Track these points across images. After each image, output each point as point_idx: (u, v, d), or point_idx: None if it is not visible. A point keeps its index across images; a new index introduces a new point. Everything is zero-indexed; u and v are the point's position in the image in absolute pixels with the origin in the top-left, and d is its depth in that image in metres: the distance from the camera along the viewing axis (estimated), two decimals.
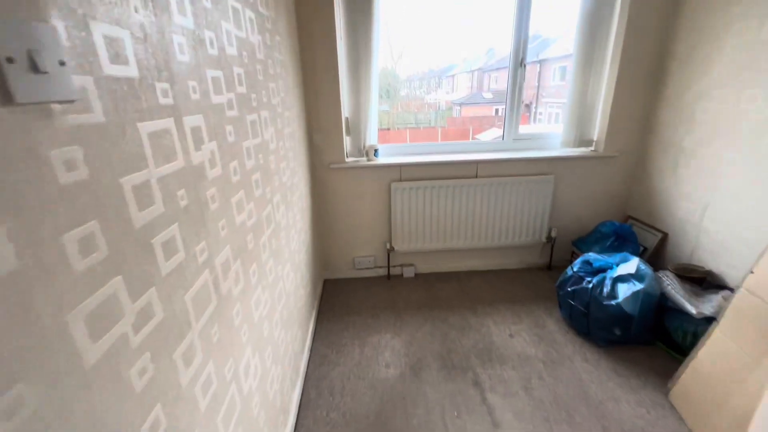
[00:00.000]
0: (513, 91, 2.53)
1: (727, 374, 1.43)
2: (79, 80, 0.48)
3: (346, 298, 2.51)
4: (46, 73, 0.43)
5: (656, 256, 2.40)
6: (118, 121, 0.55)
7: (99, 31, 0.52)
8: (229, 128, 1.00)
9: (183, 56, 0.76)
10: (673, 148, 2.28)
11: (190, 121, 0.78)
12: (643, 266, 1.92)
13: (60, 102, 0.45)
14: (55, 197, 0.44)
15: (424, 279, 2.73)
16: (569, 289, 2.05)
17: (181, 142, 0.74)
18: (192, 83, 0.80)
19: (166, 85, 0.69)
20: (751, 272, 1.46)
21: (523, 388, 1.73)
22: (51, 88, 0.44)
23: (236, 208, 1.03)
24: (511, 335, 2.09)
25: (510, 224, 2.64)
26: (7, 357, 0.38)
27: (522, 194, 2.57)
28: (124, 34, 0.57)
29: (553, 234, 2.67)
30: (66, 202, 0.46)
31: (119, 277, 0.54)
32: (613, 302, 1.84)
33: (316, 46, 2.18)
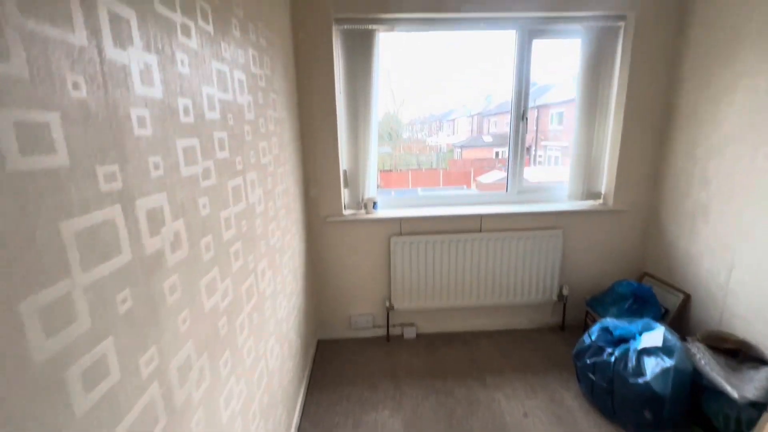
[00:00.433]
0: (515, 143, 2.47)
1: None
2: None
3: (341, 363, 2.28)
4: None
5: (679, 320, 2.20)
6: (25, 227, 0.43)
7: (8, 119, 0.41)
8: (203, 200, 0.89)
9: (143, 130, 0.66)
10: (688, 204, 2.17)
11: (147, 203, 0.66)
12: (669, 336, 1.72)
13: None
14: None
15: (427, 341, 2.50)
16: (588, 361, 1.83)
17: (130, 230, 0.61)
18: (154, 159, 0.69)
19: (112, 168, 0.58)
20: None
21: None
22: None
23: (206, 292, 0.89)
24: (525, 414, 1.84)
25: (518, 281, 2.47)
26: None
27: (529, 249, 2.42)
28: (50, 118, 0.47)
29: (565, 292, 2.49)
30: None
31: None
32: (640, 380, 1.62)
33: (315, 100, 2.15)
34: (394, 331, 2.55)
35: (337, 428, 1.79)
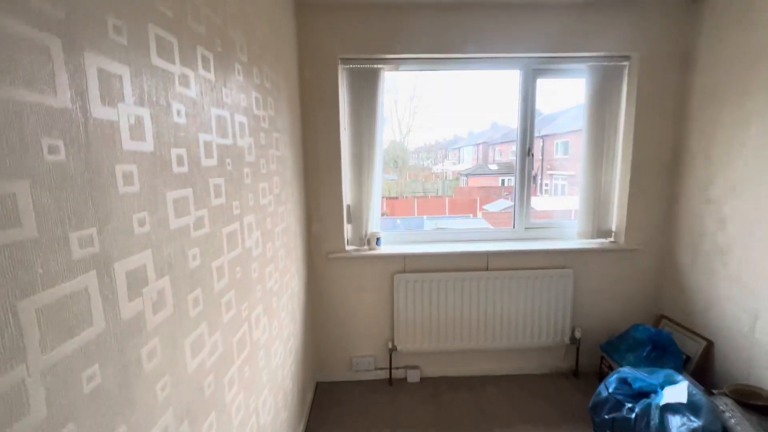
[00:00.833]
0: (522, 178, 2.44)
1: None
2: None
3: (340, 411, 2.15)
4: None
5: (703, 369, 2.05)
6: None
7: None
8: (193, 252, 0.84)
9: (129, 188, 0.63)
10: (704, 246, 2.08)
11: (127, 264, 0.62)
12: (695, 391, 1.59)
13: None
14: None
15: (431, 385, 2.36)
16: (606, 417, 1.69)
17: (105, 297, 0.57)
18: (139, 215, 0.65)
19: (89, 232, 0.54)
20: None
21: None
22: None
23: (191, 351, 0.82)
24: None
25: (527, 323, 2.35)
26: None
27: (539, 289, 2.32)
28: (17, 188, 0.43)
29: (578, 335, 2.36)
30: None
31: None
32: None
33: (319, 137, 2.16)
34: (397, 374, 2.42)
35: None
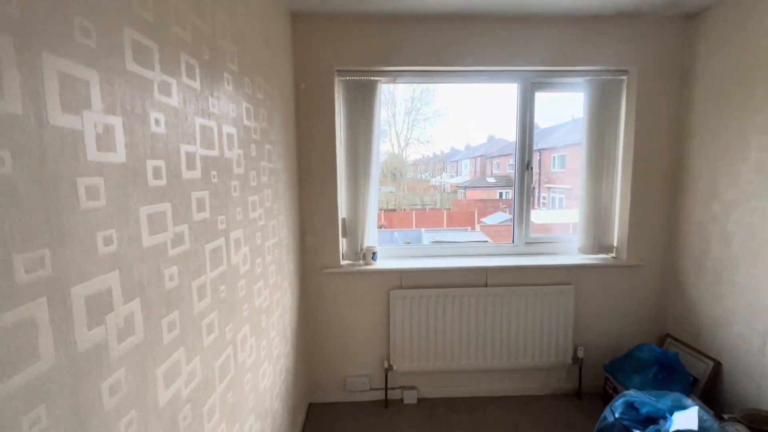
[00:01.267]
0: (521, 193, 2.39)
1: None
2: None
3: None
4: None
5: (711, 391, 1.97)
6: None
7: None
8: (170, 271, 0.78)
9: (94, 202, 0.57)
10: (708, 263, 2.02)
11: (87, 288, 0.55)
12: (706, 416, 1.51)
13: None
14: None
15: (429, 407, 2.26)
16: None
17: (58, 327, 0.50)
18: (105, 233, 0.59)
19: (40, 253, 0.48)
20: None
21: None
22: None
23: (165, 380, 0.75)
24: None
25: (528, 341, 2.27)
26: None
27: (539, 306, 2.25)
28: None
29: (580, 354, 2.28)
30: None
31: None
32: None
33: (315, 149, 2.11)
34: (393, 394, 2.32)
35: None
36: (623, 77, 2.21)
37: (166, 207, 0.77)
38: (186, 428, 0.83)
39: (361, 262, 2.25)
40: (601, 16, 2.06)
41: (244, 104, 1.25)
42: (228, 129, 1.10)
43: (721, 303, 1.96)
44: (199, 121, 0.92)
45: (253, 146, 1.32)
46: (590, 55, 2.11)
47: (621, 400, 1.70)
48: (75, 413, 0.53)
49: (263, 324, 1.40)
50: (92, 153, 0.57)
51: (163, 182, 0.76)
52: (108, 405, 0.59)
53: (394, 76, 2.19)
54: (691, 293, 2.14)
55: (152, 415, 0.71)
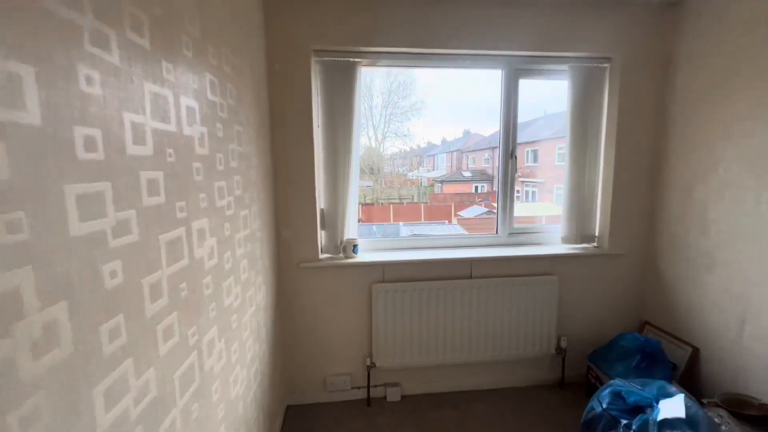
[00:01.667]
0: (504, 182, 2.34)
1: None
2: None
3: None
4: None
5: (689, 376, 2.00)
6: None
7: None
8: (111, 266, 0.63)
9: None
10: (688, 251, 2.04)
11: None
12: (690, 404, 1.50)
13: None
14: None
15: (413, 404, 2.19)
16: None
17: None
18: (10, 217, 0.45)
19: None
20: None
21: None
22: None
23: (104, 402, 0.61)
24: None
25: (512, 333, 2.23)
26: None
27: (524, 297, 2.21)
28: None
29: (563, 344, 2.27)
30: None
31: None
32: None
33: (290, 134, 1.96)
34: (376, 392, 2.23)
35: None
36: (606, 65, 2.19)
37: (104, 187, 0.62)
38: None
39: (342, 255, 2.12)
40: (586, 2, 2.01)
41: (209, 76, 1.09)
42: (188, 101, 0.94)
43: (699, 290, 1.99)
44: (150, 87, 0.77)
45: (219, 125, 1.17)
46: (574, 41, 2.07)
47: (607, 390, 1.68)
48: None
49: (234, 325, 1.26)
50: None
51: (99, 156, 0.61)
52: None
53: (374, 58, 2.07)
54: (669, 281, 2.16)
55: None
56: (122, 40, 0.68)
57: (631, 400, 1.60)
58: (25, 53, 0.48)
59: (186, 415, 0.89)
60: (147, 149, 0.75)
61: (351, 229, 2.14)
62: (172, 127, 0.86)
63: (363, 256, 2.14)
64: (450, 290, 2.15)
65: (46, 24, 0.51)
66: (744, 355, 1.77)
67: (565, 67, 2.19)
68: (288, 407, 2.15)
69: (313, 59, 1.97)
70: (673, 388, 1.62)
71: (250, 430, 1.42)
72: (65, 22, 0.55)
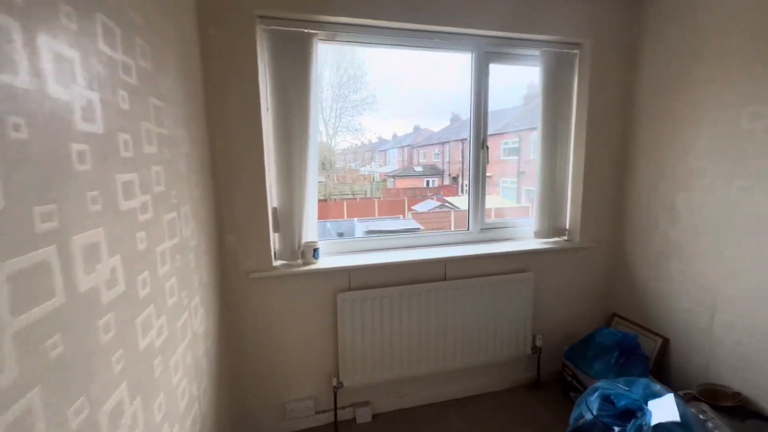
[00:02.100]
0: (476, 174, 2.18)
1: None
2: None
3: None
4: None
5: (660, 367, 2.00)
6: None
7: None
8: None
9: None
10: (656, 241, 2.03)
11: None
12: (680, 403, 1.44)
13: None
14: None
15: (386, 422, 1.96)
16: None
17: None
18: None
19: None
20: None
21: None
22: None
23: None
24: None
25: (489, 335, 2.09)
26: None
27: (500, 296, 2.08)
28: None
29: (539, 343, 2.17)
30: None
31: None
32: None
33: (232, 117, 1.60)
34: (344, 414, 1.96)
35: None
36: (576, 51, 2.10)
37: None
38: None
39: (300, 261, 1.82)
40: None
41: (101, 17, 0.74)
42: (55, 45, 0.60)
43: (668, 280, 1.98)
44: None
45: (123, 94, 0.82)
46: (545, 24, 1.94)
47: (595, 395, 1.57)
48: None
49: (158, 371, 0.92)
50: None
51: None
52: None
53: (333, 31, 1.77)
54: (639, 271, 2.15)
55: None
56: None
57: (621, 404, 1.51)
58: None
59: None
60: None
61: (310, 231, 1.84)
62: (22, 82, 0.52)
63: (325, 261, 1.85)
64: (424, 294, 1.95)
65: None
66: (714, 345, 1.78)
67: (536, 52, 2.07)
68: None
69: (259, 27, 1.63)
70: (657, 386, 1.56)
71: None
72: None
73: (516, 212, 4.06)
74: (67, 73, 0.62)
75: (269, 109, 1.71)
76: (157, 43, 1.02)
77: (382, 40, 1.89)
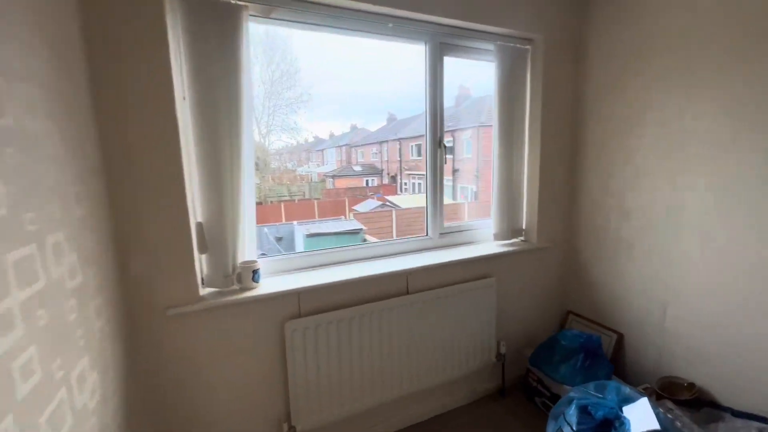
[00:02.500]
0: (434, 176, 2.01)
1: None
2: None
3: None
4: None
5: (614, 362, 2.02)
6: None
7: None
8: None
9: None
10: (608, 239, 2.06)
11: None
12: (655, 407, 1.42)
13: None
14: None
15: None
16: None
17: None
18: None
19: None
20: None
21: None
22: None
23: None
24: None
25: (455, 348, 1.94)
26: None
27: (465, 306, 1.94)
28: None
29: (503, 350, 2.09)
30: None
31: None
32: None
33: (133, 107, 1.21)
34: None
35: None
36: (528, 47, 2.05)
37: None
38: None
39: (236, 286, 1.48)
40: None
41: None
42: None
43: (621, 277, 2.02)
44: None
45: None
46: (501, 13, 1.84)
47: (573, 408, 1.49)
48: None
49: None
50: None
51: None
52: None
53: (267, 7, 1.46)
54: (593, 269, 2.17)
55: None
56: None
57: (599, 414, 1.44)
58: None
59: None
60: None
61: (248, 247, 1.51)
62: None
63: (268, 284, 1.53)
64: (386, 312, 1.73)
65: None
66: (667, 337, 1.83)
67: (491, 46, 1.97)
68: None
69: None
70: (627, 389, 1.53)
71: None
72: None
73: (453, 209, 4.07)
74: None
75: (186, 98, 1.34)
76: None
77: (330, 24, 1.62)
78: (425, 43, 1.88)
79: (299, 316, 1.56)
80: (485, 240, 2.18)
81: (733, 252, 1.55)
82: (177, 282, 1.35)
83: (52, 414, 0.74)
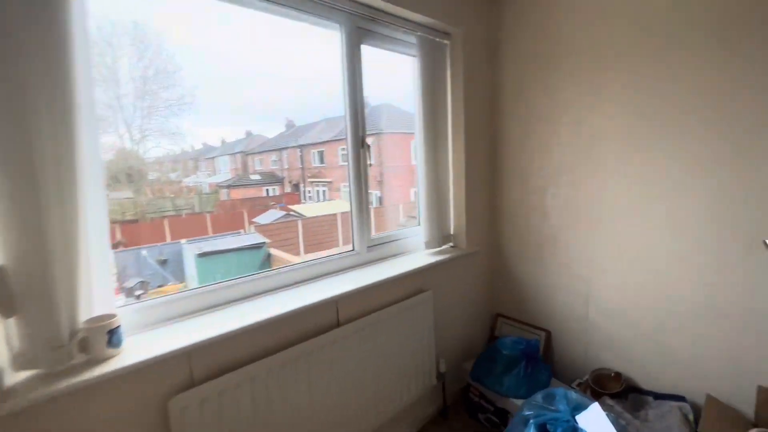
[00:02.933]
0: (358, 181, 1.74)
1: None
2: None
3: None
4: None
5: (545, 358, 2.03)
6: None
7: None
8: None
9: None
10: (532, 237, 2.07)
11: None
12: (608, 414, 1.38)
13: None
14: None
15: None
16: None
17: None
18: None
19: None
20: None
21: None
22: None
23: None
24: None
25: (396, 379, 1.69)
26: None
27: (402, 328, 1.70)
28: None
29: (443, 368, 1.92)
30: None
31: None
32: None
33: None
34: None
35: None
36: (447, 42, 1.94)
37: None
38: None
39: (80, 359, 0.95)
40: None
41: None
42: None
43: (544, 274, 2.04)
44: None
45: None
46: (419, 2, 1.68)
47: (531, 429, 1.37)
48: None
49: None
50: None
51: None
52: None
53: None
54: (518, 269, 2.17)
55: None
56: None
57: (558, 430, 1.34)
58: None
59: None
60: None
61: (99, 293, 1.00)
62: None
63: (139, 346, 1.03)
64: (315, 354, 1.37)
65: None
66: (591, 331, 1.89)
67: (412, 38, 1.79)
68: None
69: None
70: (573, 394, 1.49)
71: None
72: None
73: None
74: None
75: None
76: None
77: None
78: (340, 25, 1.60)
79: (192, 385, 1.10)
80: (415, 249, 1.99)
81: (646, 246, 1.64)
82: None
83: None
